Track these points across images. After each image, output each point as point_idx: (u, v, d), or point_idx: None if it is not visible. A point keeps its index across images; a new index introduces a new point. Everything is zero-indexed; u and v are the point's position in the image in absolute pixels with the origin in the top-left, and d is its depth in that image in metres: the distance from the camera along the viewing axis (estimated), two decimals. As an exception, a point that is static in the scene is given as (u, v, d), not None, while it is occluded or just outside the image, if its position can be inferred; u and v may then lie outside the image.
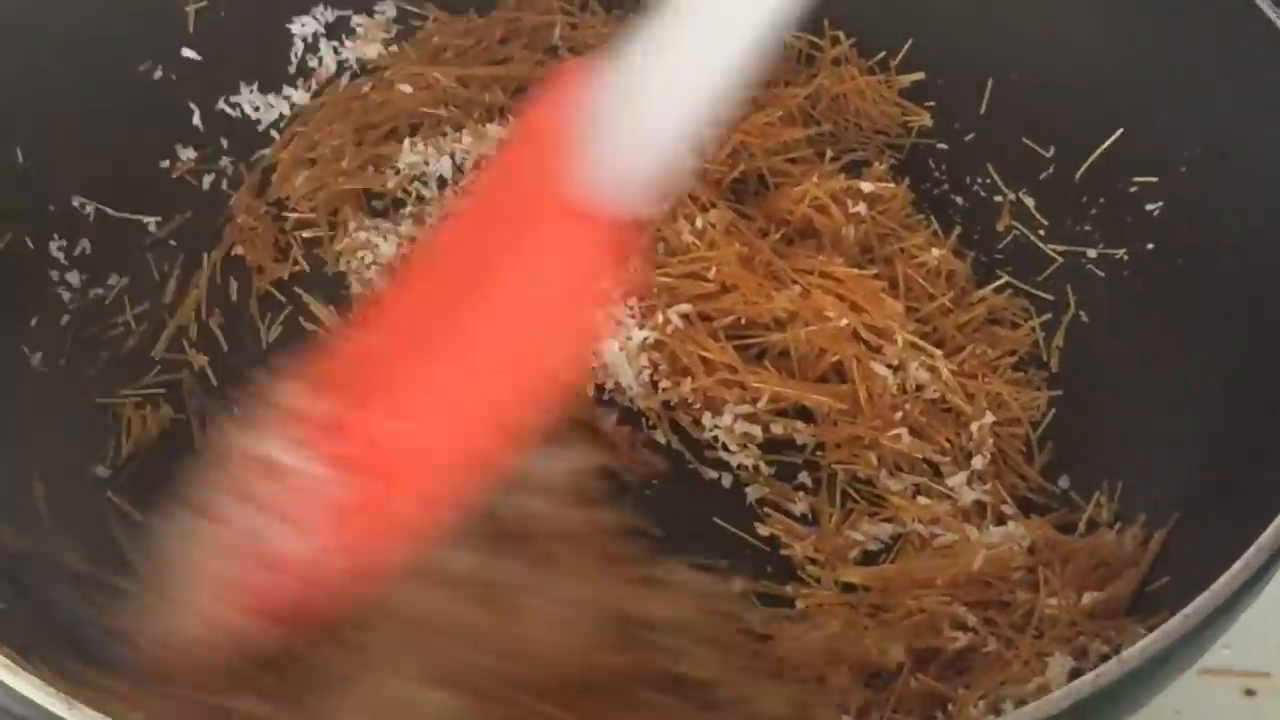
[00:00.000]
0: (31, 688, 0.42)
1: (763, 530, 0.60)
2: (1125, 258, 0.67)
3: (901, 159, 0.73)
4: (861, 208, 0.68)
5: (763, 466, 0.62)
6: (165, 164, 0.71)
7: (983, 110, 0.73)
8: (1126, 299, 0.66)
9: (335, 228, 0.70)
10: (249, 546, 0.48)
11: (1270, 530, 0.46)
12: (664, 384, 0.64)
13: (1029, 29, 0.72)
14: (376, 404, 0.48)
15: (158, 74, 0.72)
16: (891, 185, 0.70)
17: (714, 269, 0.65)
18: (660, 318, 0.64)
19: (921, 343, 0.64)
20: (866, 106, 0.74)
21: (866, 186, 0.69)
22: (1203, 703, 0.58)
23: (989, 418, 0.62)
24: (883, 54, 0.76)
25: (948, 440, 0.62)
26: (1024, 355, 0.66)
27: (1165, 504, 0.57)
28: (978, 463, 0.61)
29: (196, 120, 0.72)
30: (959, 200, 0.72)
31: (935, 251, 0.68)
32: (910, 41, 0.75)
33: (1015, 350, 0.66)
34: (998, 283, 0.68)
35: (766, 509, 0.61)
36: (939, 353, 0.64)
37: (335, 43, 0.75)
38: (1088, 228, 0.69)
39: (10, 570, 0.54)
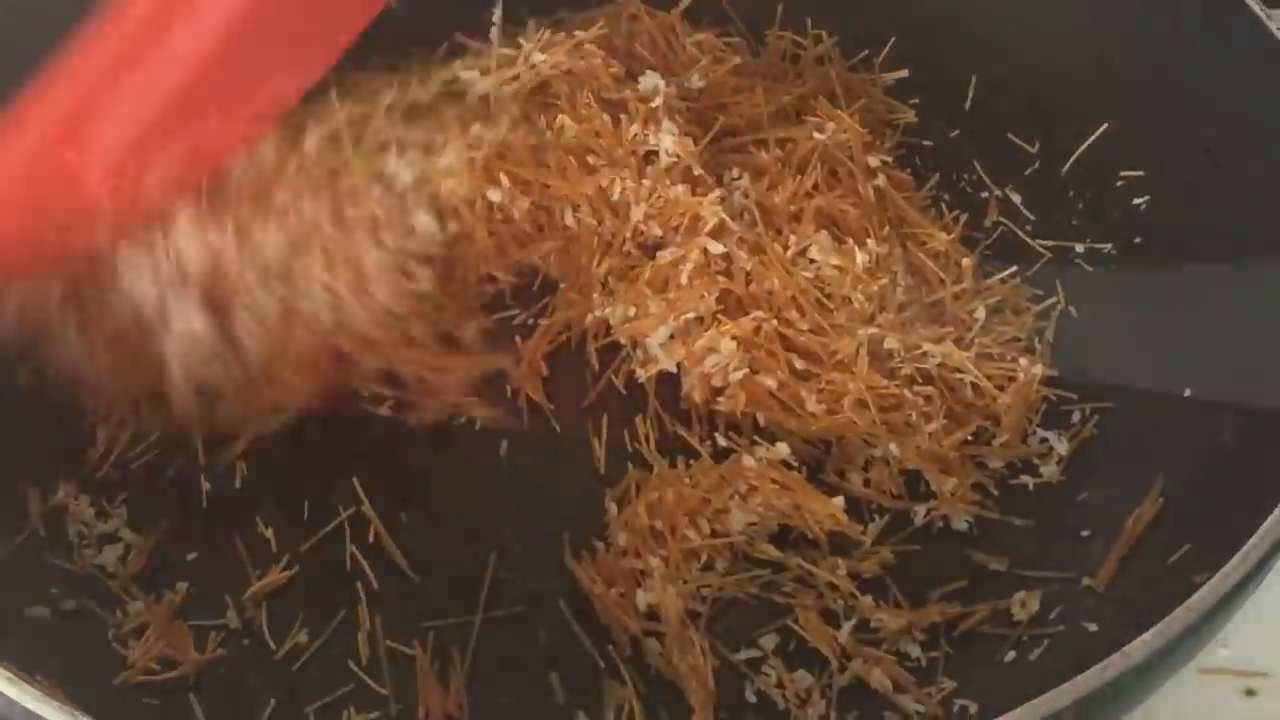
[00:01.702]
0: (31, 699, 0.42)
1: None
2: (1113, 252, 0.68)
3: (889, 156, 0.73)
4: (881, 180, 0.69)
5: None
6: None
7: (967, 107, 0.74)
8: (1114, 292, 0.67)
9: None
10: None
11: (1269, 522, 0.46)
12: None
13: (1011, 24, 0.73)
14: None
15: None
16: (902, 173, 0.71)
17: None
18: None
19: None
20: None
21: (874, 160, 0.70)
22: (1203, 703, 0.58)
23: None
24: (865, 53, 0.76)
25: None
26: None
27: (1157, 498, 0.57)
28: None
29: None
30: (946, 197, 0.72)
31: (944, 236, 0.68)
32: (893, 40, 0.75)
33: (1019, 337, 0.66)
34: (1006, 272, 0.68)
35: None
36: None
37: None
38: (1075, 222, 0.69)
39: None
